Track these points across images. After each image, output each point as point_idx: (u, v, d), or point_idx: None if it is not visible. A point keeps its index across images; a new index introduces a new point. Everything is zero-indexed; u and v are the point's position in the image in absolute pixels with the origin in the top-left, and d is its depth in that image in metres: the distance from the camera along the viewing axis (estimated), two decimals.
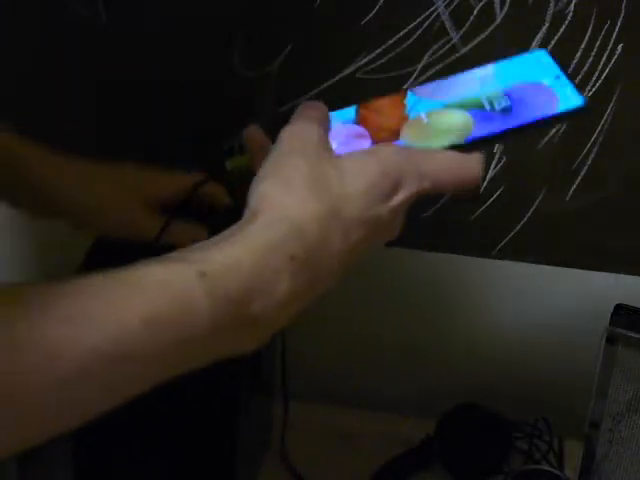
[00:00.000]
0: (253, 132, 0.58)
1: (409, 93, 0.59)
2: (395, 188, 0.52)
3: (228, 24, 0.94)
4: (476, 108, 0.57)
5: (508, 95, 0.58)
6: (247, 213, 0.50)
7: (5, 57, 1.00)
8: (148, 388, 0.46)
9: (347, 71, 0.94)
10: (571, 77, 0.59)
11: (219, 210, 0.80)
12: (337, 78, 0.95)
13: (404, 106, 0.58)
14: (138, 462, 0.88)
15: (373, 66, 0.93)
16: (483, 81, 0.59)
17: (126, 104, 1.00)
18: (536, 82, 0.59)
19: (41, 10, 0.97)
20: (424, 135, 0.56)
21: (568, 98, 0.57)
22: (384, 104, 0.59)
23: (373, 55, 0.93)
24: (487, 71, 0.59)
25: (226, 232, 0.49)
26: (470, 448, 1.01)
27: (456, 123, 0.57)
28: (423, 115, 0.57)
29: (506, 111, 0.57)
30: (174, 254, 0.48)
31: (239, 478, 0.89)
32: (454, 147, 0.56)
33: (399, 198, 0.53)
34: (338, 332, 1.10)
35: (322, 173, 0.51)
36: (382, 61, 0.93)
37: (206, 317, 0.45)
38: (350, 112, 0.58)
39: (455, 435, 1.01)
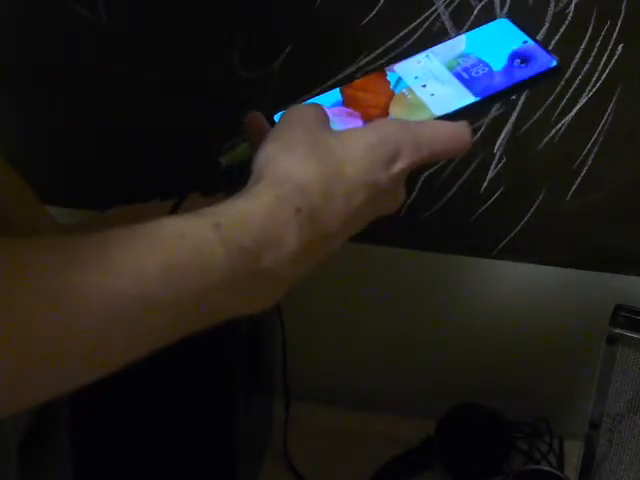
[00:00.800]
0: (254, 117, 0.59)
1: (389, 71, 0.60)
2: (394, 157, 0.54)
3: (228, 24, 0.94)
4: (456, 78, 0.58)
5: (483, 62, 0.59)
6: (252, 178, 0.53)
7: (5, 57, 1.00)
8: (169, 341, 0.47)
9: (347, 71, 0.94)
10: (540, 41, 0.61)
11: None
12: (337, 78, 0.94)
13: (388, 83, 0.59)
14: (138, 462, 0.88)
15: (373, 66, 0.93)
16: (457, 51, 0.60)
17: (126, 104, 1.00)
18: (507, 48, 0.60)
19: (41, 10, 0.97)
20: (411, 109, 0.57)
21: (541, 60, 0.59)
22: (368, 83, 0.60)
23: (373, 55, 0.93)
24: (459, 42, 0.61)
25: (236, 194, 0.51)
26: (470, 448, 1.01)
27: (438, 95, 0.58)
28: (406, 90, 0.58)
29: (484, 78, 0.58)
30: (191, 212, 0.50)
31: (240, 478, 0.89)
32: (441, 118, 0.57)
33: (399, 166, 0.54)
34: (338, 332, 1.10)
35: (323, 140, 0.53)
36: (382, 61, 0.93)
37: (221, 266, 0.47)
38: (335, 94, 0.59)
39: (455, 435, 1.01)
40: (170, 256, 0.46)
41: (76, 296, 0.43)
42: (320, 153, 0.52)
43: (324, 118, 0.56)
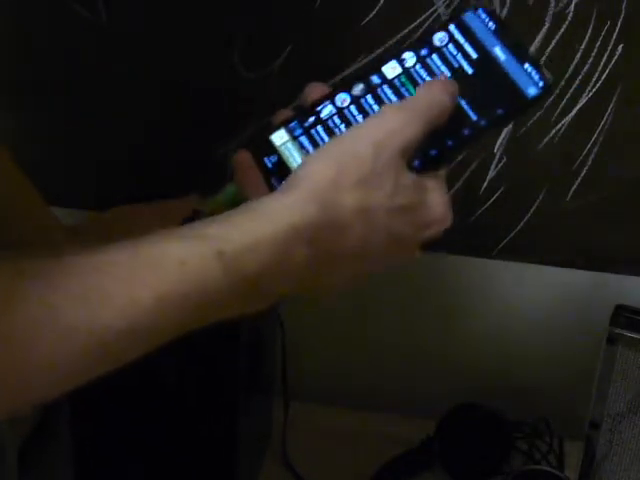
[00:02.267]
0: (242, 157, 0.56)
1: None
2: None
3: (228, 24, 0.94)
4: None
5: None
6: (285, 184, 0.51)
7: (5, 57, 1.00)
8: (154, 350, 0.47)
9: (347, 71, 0.94)
10: None
11: None
12: (337, 78, 0.94)
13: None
14: (138, 462, 0.88)
15: None
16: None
17: (126, 104, 1.00)
18: None
19: (41, 10, 0.97)
20: None
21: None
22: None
23: (373, 55, 0.93)
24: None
25: (252, 203, 0.50)
26: (470, 448, 1.00)
27: None
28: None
29: None
30: (194, 228, 0.48)
31: (240, 478, 0.89)
32: None
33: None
34: (338, 332, 1.10)
35: (380, 176, 0.51)
36: None
37: (221, 294, 0.47)
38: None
39: (455, 435, 1.01)
40: (168, 286, 0.45)
41: (61, 326, 0.43)
42: (369, 188, 0.50)
43: (407, 148, 0.52)
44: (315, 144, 0.55)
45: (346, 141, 0.52)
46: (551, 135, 0.95)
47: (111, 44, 0.97)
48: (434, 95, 0.53)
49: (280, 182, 0.53)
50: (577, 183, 0.96)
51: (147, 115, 1.01)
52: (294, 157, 0.55)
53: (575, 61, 0.91)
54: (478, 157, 0.97)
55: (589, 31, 0.89)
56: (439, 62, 0.56)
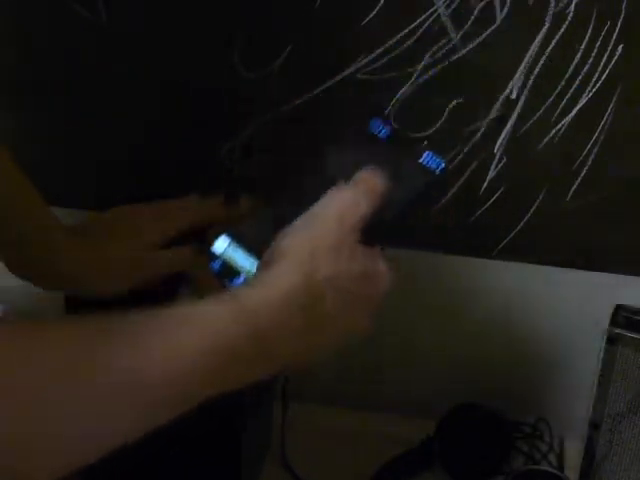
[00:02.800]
0: (200, 274, 0.68)
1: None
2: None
3: (228, 24, 0.94)
4: None
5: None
6: (270, 256, 0.59)
7: (5, 57, 1.00)
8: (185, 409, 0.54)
9: (347, 71, 0.94)
10: None
11: None
12: (337, 78, 0.95)
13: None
14: (142, 464, 0.88)
15: (373, 67, 0.93)
16: None
17: (126, 104, 1.00)
18: None
19: (41, 10, 0.97)
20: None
21: None
22: None
23: (373, 55, 0.93)
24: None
25: (258, 275, 0.59)
26: (470, 448, 1.00)
27: None
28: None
29: None
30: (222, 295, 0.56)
31: (240, 478, 0.89)
32: None
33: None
34: None
35: (344, 246, 0.60)
36: (382, 62, 0.93)
37: (240, 349, 0.54)
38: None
39: (455, 435, 1.01)
40: (201, 344, 0.52)
41: (123, 377, 0.49)
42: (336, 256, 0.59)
43: (364, 220, 0.61)
44: (246, 248, 0.64)
45: (315, 218, 0.60)
46: (551, 135, 0.95)
47: (111, 44, 0.97)
48: (374, 181, 0.63)
49: (230, 280, 0.63)
50: (577, 183, 0.96)
51: (147, 115, 1.01)
52: (236, 259, 0.64)
53: (575, 61, 0.91)
54: (478, 157, 0.97)
55: (589, 31, 0.89)
56: None
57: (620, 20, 0.89)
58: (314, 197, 0.63)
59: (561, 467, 1.01)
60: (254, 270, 0.63)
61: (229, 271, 0.64)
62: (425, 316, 1.07)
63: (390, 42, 0.92)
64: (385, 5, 0.91)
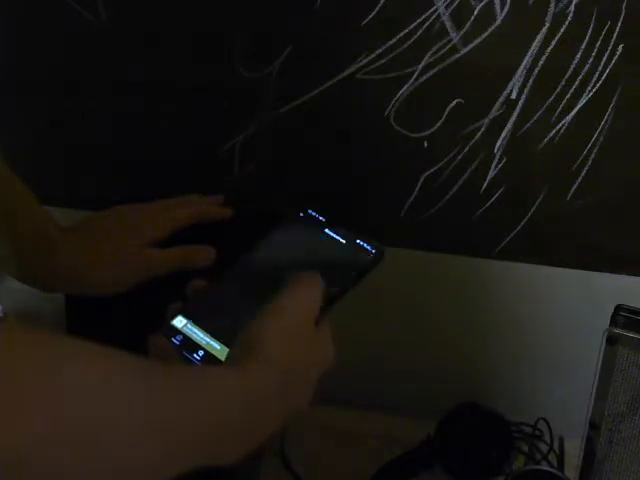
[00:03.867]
0: (157, 342, 0.67)
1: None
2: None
3: (228, 24, 0.94)
4: None
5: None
6: (246, 345, 0.62)
7: (5, 57, 1.00)
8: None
9: (347, 71, 0.94)
10: None
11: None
12: (337, 79, 0.95)
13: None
14: None
15: (373, 67, 0.93)
16: None
17: (125, 104, 1.00)
18: None
19: (41, 10, 0.97)
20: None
21: None
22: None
23: (373, 55, 0.93)
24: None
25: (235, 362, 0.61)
26: (470, 449, 1.00)
27: None
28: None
29: None
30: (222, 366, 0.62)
31: (239, 478, 0.89)
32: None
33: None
34: (338, 332, 1.09)
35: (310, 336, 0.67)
36: (382, 62, 0.93)
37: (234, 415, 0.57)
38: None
39: (455, 435, 1.01)
40: (209, 411, 0.55)
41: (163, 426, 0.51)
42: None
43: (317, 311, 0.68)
44: (206, 324, 0.68)
45: (283, 310, 0.64)
46: (551, 135, 0.95)
47: (111, 44, 0.97)
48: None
49: (191, 354, 0.66)
50: (577, 183, 0.96)
51: (147, 115, 1.01)
52: (196, 334, 0.67)
53: (575, 61, 0.91)
54: (478, 157, 0.97)
55: (589, 31, 0.89)
56: None
57: (620, 20, 0.89)
58: (260, 277, 0.70)
59: (561, 467, 1.01)
60: (216, 347, 0.66)
61: (190, 345, 0.67)
62: (425, 316, 1.07)
63: (390, 42, 0.92)
64: (385, 5, 0.91)
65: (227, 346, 0.66)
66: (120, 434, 0.47)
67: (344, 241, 0.73)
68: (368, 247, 0.72)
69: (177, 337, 0.67)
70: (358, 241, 0.73)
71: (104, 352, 0.49)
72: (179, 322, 0.68)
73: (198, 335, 0.67)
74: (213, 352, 0.66)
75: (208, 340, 0.67)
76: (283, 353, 0.62)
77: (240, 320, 0.64)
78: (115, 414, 0.47)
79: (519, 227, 0.99)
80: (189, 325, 0.68)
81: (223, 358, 0.65)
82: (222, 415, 0.55)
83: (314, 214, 0.74)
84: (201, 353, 0.66)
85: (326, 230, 0.73)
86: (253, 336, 0.62)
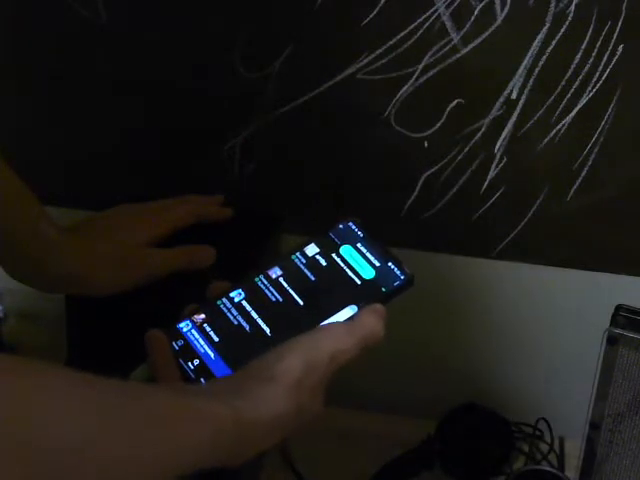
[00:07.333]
0: (157, 338, 0.66)
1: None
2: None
3: (228, 24, 0.94)
4: None
5: None
6: (267, 373, 0.62)
7: (5, 57, 1.00)
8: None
9: (347, 72, 0.94)
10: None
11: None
12: (337, 79, 0.95)
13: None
14: None
15: (374, 67, 0.93)
16: None
17: (125, 104, 1.00)
18: None
19: (41, 10, 0.97)
20: None
21: None
22: None
23: (374, 56, 0.93)
24: None
25: (253, 386, 0.61)
26: (470, 448, 1.00)
27: None
28: None
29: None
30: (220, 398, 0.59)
31: (241, 476, 0.89)
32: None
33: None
34: None
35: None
36: (383, 62, 0.93)
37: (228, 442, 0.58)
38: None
39: (455, 435, 1.01)
40: (201, 437, 0.55)
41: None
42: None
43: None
44: (216, 332, 0.68)
45: (309, 350, 0.64)
46: (551, 135, 0.95)
47: (111, 44, 0.97)
48: (374, 325, 0.69)
49: (186, 362, 0.66)
50: (577, 183, 0.96)
51: (147, 115, 1.01)
52: (198, 342, 0.67)
53: (575, 61, 0.91)
54: (478, 157, 0.97)
55: (589, 31, 0.89)
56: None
57: (620, 20, 0.89)
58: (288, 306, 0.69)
59: (561, 467, 1.01)
60: (212, 357, 0.66)
61: (188, 352, 0.67)
62: (425, 316, 1.07)
63: (390, 42, 0.92)
64: (385, 5, 0.91)
65: (225, 361, 0.66)
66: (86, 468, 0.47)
67: (377, 263, 0.70)
68: (398, 272, 0.70)
69: (178, 342, 0.67)
70: (390, 264, 0.70)
71: (81, 381, 0.49)
72: (185, 325, 0.68)
73: (198, 342, 0.67)
74: (208, 363, 0.66)
75: (206, 350, 0.67)
76: (296, 393, 0.63)
77: (253, 344, 0.66)
78: (81, 446, 0.47)
79: (519, 227, 0.99)
80: (193, 331, 0.68)
81: (217, 373, 0.66)
82: (208, 448, 0.56)
83: (354, 227, 0.72)
84: (196, 362, 0.66)
85: (360, 246, 0.71)
86: (267, 365, 0.62)
